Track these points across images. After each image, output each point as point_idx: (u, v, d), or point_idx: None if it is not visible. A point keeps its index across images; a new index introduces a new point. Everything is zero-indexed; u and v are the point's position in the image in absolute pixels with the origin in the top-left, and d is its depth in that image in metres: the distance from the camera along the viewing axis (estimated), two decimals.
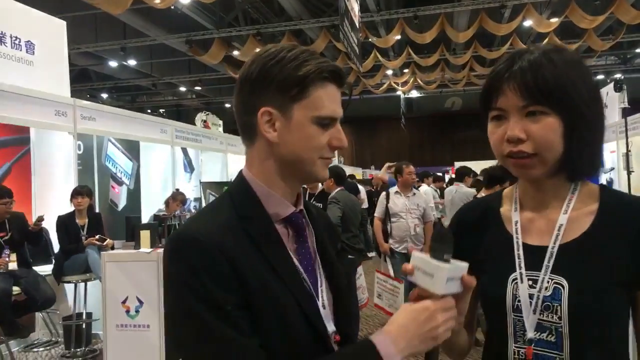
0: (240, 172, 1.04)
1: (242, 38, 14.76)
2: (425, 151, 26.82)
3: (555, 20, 12.86)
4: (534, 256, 1.02)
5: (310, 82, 0.96)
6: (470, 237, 1.12)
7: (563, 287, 0.98)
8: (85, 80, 19.46)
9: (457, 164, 13.02)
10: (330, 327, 1.00)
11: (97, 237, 5.27)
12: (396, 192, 5.64)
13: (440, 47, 15.85)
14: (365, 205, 10.84)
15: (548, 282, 0.99)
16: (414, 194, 5.63)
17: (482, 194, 4.44)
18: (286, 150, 0.97)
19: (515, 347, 1.02)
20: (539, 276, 1.00)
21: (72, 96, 6.34)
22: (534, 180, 1.05)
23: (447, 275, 0.87)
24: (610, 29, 15.03)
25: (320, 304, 1.00)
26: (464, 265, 0.91)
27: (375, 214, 5.80)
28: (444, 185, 10.56)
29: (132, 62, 16.58)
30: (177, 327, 0.90)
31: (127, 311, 4.06)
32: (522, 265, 1.03)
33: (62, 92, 6.23)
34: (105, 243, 5.23)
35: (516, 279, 1.02)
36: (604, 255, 0.98)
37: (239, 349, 0.85)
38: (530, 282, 1.01)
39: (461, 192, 6.80)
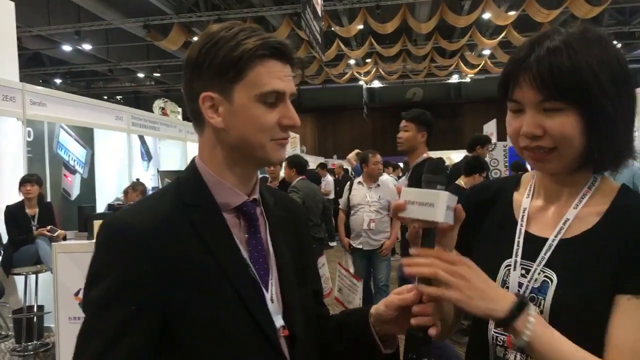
0: (193, 160, 1.01)
1: (203, 24, 14.46)
2: (386, 141, 26.98)
3: (513, 13, 13.13)
4: (534, 246, 1.00)
5: (248, 61, 0.91)
6: (476, 216, 1.11)
7: (551, 281, 0.96)
8: (38, 65, 18.72)
9: (428, 154, 13.17)
10: (279, 322, 0.97)
11: (48, 227, 5.09)
12: (359, 183, 5.22)
13: (402, 37, 15.98)
14: (332, 195, 10.91)
15: (539, 273, 0.97)
16: (378, 185, 5.11)
17: (462, 181, 4.49)
18: (234, 135, 0.94)
19: (494, 332, 1.01)
20: (532, 266, 0.99)
21: (23, 81, 6.07)
22: (553, 174, 1.02)
23: (447, 201, 0.88)
24: (566, 22, 15.47)
25: (268, 297, 0.96)
26: (456, 196, 0.91)
27: (340, 205, 5.53)
28: (400, 174, 10.75)
29: (87, 47, 16.01)
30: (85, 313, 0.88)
31: (80, 303, 3.94)
32: (519, 253, 1.02)
33: (10, 76, 5.94)
34: (56, 234, 5.06)
35: (510, 265, 1.01)
36: (598, 257, 0.95)
37: (119, 353, 0.83)
38: (523, 272, 1.00)
39: None
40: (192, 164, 1.00)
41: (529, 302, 0.90)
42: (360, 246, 5.05)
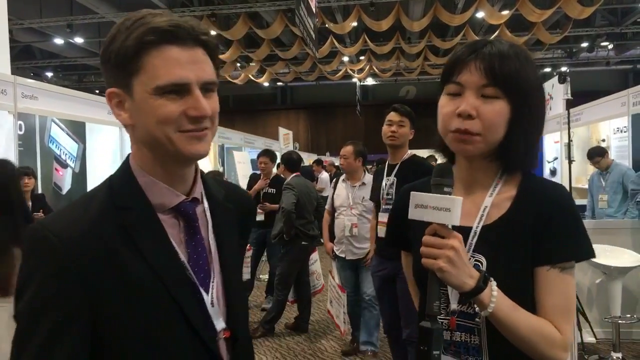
0: (127, 158, 0.96)
1: (196, 19, 14.36)
2: (379, 138, 26.87)
3: (506, 12, 13.18)
4: (462, 235, 1.07)
5: (140, 50, 0.84)
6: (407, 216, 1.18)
7: (482, 264, 1.08)
8: (29, 58, 18.54)
9: (411, 152, 13.21)
10: (220, 325, 0.95)
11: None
12: (343, 180, 4.49)
13: (395, 35, 15.99)
14: (326, 193, 10.85)
15: (470, 259, 1.08)
16: (364, 184, 4.29)
17: None
18: (141, 131, 0.89)
19: (439, 318, 1.09)
20: None
21: (13, 74, 6.02)
22: (470, 158, 1.12)
23: (460, 206, 0.97)
24: (558, 23, 15.54)
25: (209, 300, 0.93)
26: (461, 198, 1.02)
27: (326, 206, 4.81)
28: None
29: (79, 40, 15.88)
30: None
31: None
32: None
33: (1, 69, 5.89)
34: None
35: None
36: (516, 237, 1.07)
37: None
38: None
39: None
40: (125, 163, 0.95)
41: (491, 277, 1.01)
42: (343, 255, 4.36)
